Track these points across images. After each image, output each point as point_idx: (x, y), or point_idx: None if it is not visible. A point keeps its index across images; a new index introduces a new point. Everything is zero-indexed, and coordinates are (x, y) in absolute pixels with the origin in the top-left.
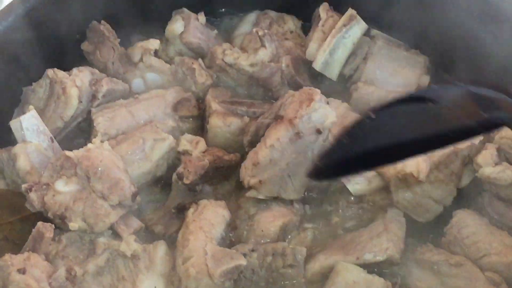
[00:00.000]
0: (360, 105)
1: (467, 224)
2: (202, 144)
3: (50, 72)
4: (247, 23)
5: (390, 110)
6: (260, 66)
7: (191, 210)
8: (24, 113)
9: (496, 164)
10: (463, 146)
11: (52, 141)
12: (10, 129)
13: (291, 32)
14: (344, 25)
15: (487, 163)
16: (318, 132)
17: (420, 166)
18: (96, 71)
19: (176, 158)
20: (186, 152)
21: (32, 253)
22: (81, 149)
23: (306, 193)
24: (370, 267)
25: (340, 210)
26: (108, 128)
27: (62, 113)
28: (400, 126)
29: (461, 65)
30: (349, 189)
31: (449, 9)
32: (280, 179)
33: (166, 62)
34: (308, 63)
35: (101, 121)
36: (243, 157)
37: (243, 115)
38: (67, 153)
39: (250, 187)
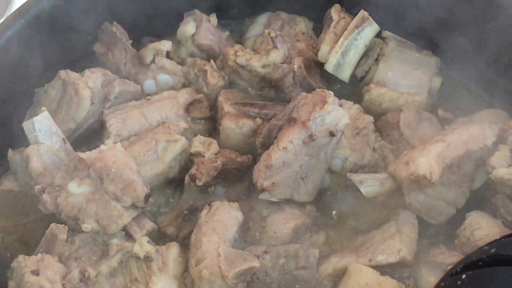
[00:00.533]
0: (372, 107)
1: (480, 226)
2: (214, 146)
3: (62, 73)
4: (259, 25)
5: (480, 272)
6: (272, 67)
7: (204, 212)
8: (36, 114)
9: (510, 165)
10: (475, 147)
11: (65, 142)
12: (22, 130)
13: (303, 33)
14: (356, 27)
15: (501, 165)
16: (332, 134)
17: (433, 167)
18: (108, 72)
19: (188, 160)
20: (198, 154)
21: (46, 254)
22: (94, 151)
23: (318, 195)
24: (383, 269)
25: (353, 212)
26: (120, 130)
27: (75, 114)
28: None
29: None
30: (362, 191)
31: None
32: (293, 181)
33: (178, 63)
34: (320, 65)
35: (113, 123)
36: (255, 159)
37: (256, 116)
38: (80, 154)
39: (263, 189)
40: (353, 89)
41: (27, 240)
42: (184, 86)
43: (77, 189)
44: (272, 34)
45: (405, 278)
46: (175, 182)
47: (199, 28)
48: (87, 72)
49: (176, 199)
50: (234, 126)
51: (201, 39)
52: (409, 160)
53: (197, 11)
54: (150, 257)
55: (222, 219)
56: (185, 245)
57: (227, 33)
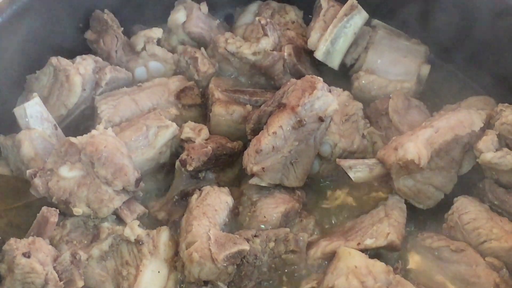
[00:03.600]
0: (361, 94)
1: (468, 210)
2: (205, 132)
3: (54, 60)
4: (249, 13)
5: None
6: (263, 55)
7: (194, 196)
8: (28, 100)
9: (497, 149)
10: (463, 133)
11: (56, 128)
12: (14, 116)
13: (293, 22)
14: (345, 15)
15: (488, 149)
16: (321, 120)
17: (421, 153)
18: (100, 59)
19: (179, 146)
20: (189, 140)
21: (37, 237)
22: (85, 135)
23: (308, 180)
24: (372, 253)
25: (342, 197)
26: (111, 116)
27: (66, 100)
28: None
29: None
30: (351, 176)
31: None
32: (282, 166)
33: (168, 51)
34: (310, 53)
35: (105, 109)
36: (245, 145)
37: (246, 103)
38: (72, 139)
39: (253, 174)
40: (342, 77)
41: (19, 223)
42: (175, 73)
43: (69, 173)
44: (263, 22)
45: (393, 262)
46: (166, 167)
47: (189, 16)
48: (78, 58)
49: (167, 184)
50: (225, 113)
51: (192, 27)
52: (397, 146)
53: (187, 0)
54: (141, 241)
55: (212, 204)
56: (175, 230)
57: (218, 21)
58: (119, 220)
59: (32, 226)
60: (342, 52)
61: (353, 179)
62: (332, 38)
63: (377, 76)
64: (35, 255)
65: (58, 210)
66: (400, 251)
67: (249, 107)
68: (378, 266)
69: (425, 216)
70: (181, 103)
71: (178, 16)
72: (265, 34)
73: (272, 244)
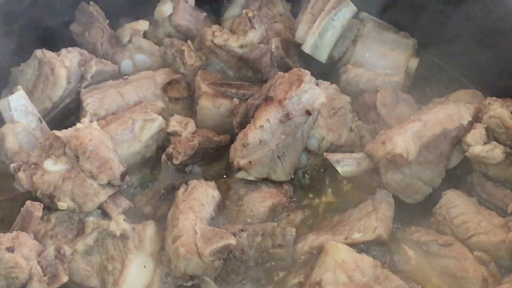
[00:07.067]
0: (349, 87)
1: (456, 204)
2: (191, 125)
3: (38, 52)
4: (237, 6)
5: None
6: (250, 48)
7: (181, 190)
8: (12, 93)
9: (485, 143)
10: (452, 127)
11: (41, 122)
12: None
13: (281, 15)
14: (333, 8)
15: (476, 142)
16: (308, 113)
17: (409, 146)
18: (85, 52)
19: (165, 139)
20: (175, 133)
21: (21, 232)
22: (70, 129)
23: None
24: (359, 247)
25: (330, 191)
26: (97, 109)
27: (51, 93)
28: None
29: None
30: (338, 170)
31: None
32: (270, 160)
33: (155, 44)
34: (298, 46)
35: (90, 102)
36: (232, 139)
37: (233, 96)
38: (56, 132)
39: (239, 168)
40: (330, 70)
41: (2, 218)
42: (161, 66)
43: (53, 167)
44: (250, 14)
45: (381, 256)
46: (152, 161)
47: (176, 8)
48: (63, 51)
49: (153, 178)
50: (212, 106)
51: (179, 20)
52: (386, 139)
53: None
54: (126, 235)
55: (199, 198)
56: (162, 224)
57: (205, 14)
58: (105, 214)
59: (16, 221)
60: (330, 45)
61: (341, 173)
62: (320, 31)
63: (365, 69)
64: (19, 250)
65: (42, 204)
66: (388, 245)
67: (236, 100)
68: (365, 260)
69: (413, 210)
70: (167, 96)
71: (165, 8)
72: (252, 27)
73: (259, 239)
